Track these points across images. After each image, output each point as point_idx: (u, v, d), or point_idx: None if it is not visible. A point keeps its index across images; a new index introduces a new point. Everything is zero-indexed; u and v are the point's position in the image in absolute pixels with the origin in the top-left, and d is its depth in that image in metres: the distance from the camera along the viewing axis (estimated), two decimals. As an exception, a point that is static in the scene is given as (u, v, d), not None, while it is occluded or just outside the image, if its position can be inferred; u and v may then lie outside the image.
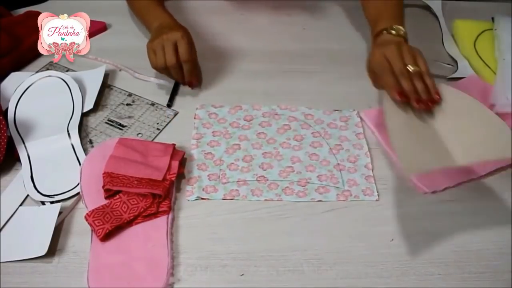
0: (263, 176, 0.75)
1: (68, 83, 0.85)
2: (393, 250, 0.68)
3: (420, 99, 0.74)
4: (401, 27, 0.81)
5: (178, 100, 0.88)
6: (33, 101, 0.83)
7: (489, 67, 0.94)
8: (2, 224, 0.68)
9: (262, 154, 0.78)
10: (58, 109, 0.82)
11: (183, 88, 0.90)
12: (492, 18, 1.03)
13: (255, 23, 1.05)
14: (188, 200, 0.72)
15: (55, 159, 0.76)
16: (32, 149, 0.76)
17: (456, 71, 0.94)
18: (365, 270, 0.65)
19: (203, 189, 0.73)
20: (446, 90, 0.77)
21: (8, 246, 0.65)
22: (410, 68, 0.73)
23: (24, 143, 0.77)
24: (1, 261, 0.64)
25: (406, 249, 0.68)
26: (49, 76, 0.86)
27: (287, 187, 0.74)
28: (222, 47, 0.99)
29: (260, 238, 0.68)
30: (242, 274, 0.65)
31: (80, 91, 0.84)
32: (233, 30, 1.03)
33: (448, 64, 0.95)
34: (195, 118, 0.84)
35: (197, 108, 0.85)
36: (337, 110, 0.86)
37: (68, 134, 0.78)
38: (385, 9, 0.86)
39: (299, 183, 0.74)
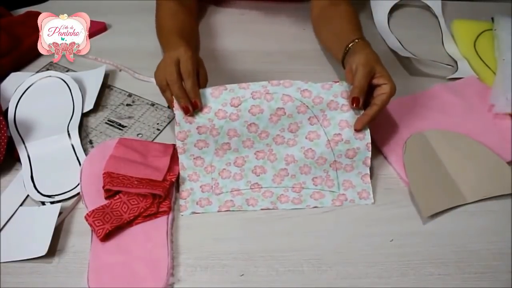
0: (256, 183, 0.74)
1: (68, 83, 0.85)
2: (393, 250, 0.68)
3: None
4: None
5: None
6: (33, 101, 0.83)
7: (489, 67, 0.94)
8: (2, 224, 0.68)
9: (255, 154, 0.74)
10: (58, 109, 0.82)
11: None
12: (492, 18, 1.03)
13: (256, 23, 1.05)
14: (182, 215, 0.71)
15: (55, 159, 0.76)
16: (32, 149, 0.76)
17: (456, 71, 0.94)
18: (365, 270, 0.65)
19: (196, 203, 0.72)
20: (454, 136, 0.81)
21: (9, 246, 0.65)
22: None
23: (24, 143, 0.77)
24: (2, 261, 0.64)
25: (406, 249, 0.68)
26: (49, 76, 0.86)
27: (282, 194, 0.73)
28: (222, 47, 0.99)
29: (260, 238, 0.68)
30: (242, 274, 0.65)
31: (80, 91, 0.84)
32: (233, 30, 1.03)
33: (448, 65, 0.95)
34: (173, 107, 0.73)
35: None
36: (337, 81, 0.74)
37: (68, 134, 0.78)
38: (354, 24, 0.88)
39: (294, 189, 0.73)
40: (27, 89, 0.84)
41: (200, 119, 0.72)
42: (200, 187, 0.73)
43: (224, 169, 0.74)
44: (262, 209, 0.72)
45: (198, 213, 0.71)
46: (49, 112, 0.82)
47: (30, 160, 0.75)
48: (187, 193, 0.73)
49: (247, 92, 0.73)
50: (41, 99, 0.83)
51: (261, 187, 0.74)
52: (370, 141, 0.73)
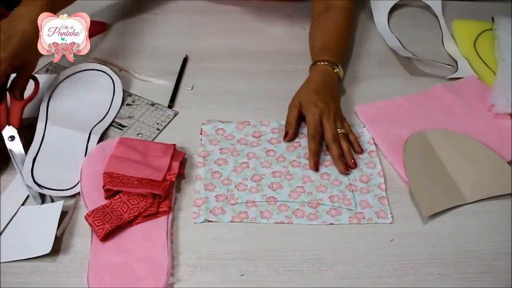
0: (272, 197, 0.73)
1: (115, 86, 0.85)
2: (393, 250, 0.68)
3: (345, 162, 0.77)
4: (340, 69, 0.87)
5: (178, 100, 0.88)
6: (76, 88, 0.83)
7: (489, 67, 0.94)
8: (5, 224, 0.68)
9: (272, 173, 0.76)
10: (93, 107, 0.82)
11: (184, 89, 0.90)
12: (492, 18, 1.03)
13: (256, 23, 1.05)
14: (195, 223, 0.70)
15: (64, 154, 0.75)
16: (49, 132, 0.76)
17: (456, 71, 0.94)
18: (365, 270, 0.65)
19: (210, 211, 0.71)
20: (454, 135, 0.81)
21: (12, 245, 0.65)
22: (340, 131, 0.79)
23: (46, 123, 0.77)
24: (5, 260, 0.64)
25: (406, 249, 0.68)
26: (100, 70, 0.86)
27: (298, 208, 0.71)
28: (222, 47, 0.99)
29: (260, 238, 0.68)
30: (242, 274, 0.65)
31: (123, 98, 0.85)
32: (233, 30, 1.03)
33: (448, 65, 0.95)
34: (201, 133, 0.81)
35: (203, 124, 0.83)
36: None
37: (89, 136, 0.78)
38: (331, 43, 0.92)
39: (310, 204, 0.72)
40: (75, 73, 0.85)
41: (224, 143, 0.80)
42: (215, 196, 0.73)
43: (240, 182, 0.75)
44: (276, 222, 0.70)
45: (211, 221, 0.70)
46: (84, 105, 0.82)
47: (42, 142, 0.75)
48: (202, 201, 0.72)
49: (267, 128, 0.83)
50: (84, 90, 0.84)
51: (277, 201, 0.72)
52: (381, 169, 0.77)
